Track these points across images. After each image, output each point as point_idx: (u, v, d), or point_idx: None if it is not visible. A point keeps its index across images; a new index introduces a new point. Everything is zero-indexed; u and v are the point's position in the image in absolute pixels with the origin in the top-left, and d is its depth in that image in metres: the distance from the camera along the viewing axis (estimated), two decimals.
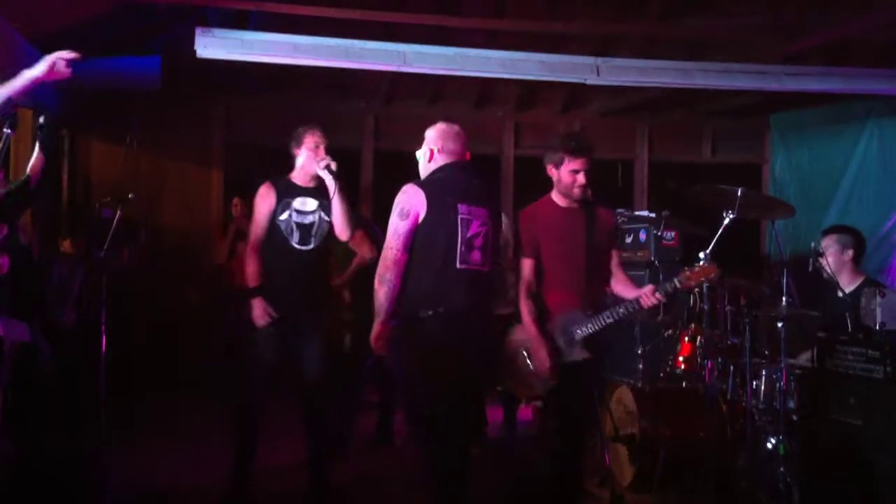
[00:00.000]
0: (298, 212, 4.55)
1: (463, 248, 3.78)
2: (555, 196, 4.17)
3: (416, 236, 3.75)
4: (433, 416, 3.77)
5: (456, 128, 4.04)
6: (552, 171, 4.10)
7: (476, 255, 3.82)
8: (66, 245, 6.40)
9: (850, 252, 4.86)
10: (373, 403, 6.47)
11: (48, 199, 7.29)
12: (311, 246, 4.55)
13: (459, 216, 3.78)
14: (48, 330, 6.07)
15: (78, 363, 6.17)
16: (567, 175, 4.05)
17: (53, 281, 6.28)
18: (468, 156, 4.06)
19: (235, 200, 8.09)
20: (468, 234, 3.79)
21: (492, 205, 3.98)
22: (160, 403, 6.78)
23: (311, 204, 4.57)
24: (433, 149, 3.97)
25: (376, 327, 3.74)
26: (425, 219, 3.75)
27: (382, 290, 3.72)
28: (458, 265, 3.77)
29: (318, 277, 4.66)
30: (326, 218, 4.56)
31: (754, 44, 7.31)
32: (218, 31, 6.02)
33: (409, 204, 3.77)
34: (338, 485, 4.65)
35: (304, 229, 4.55)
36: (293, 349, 4.53)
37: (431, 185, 3.84)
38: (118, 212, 5.94)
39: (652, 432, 4.54)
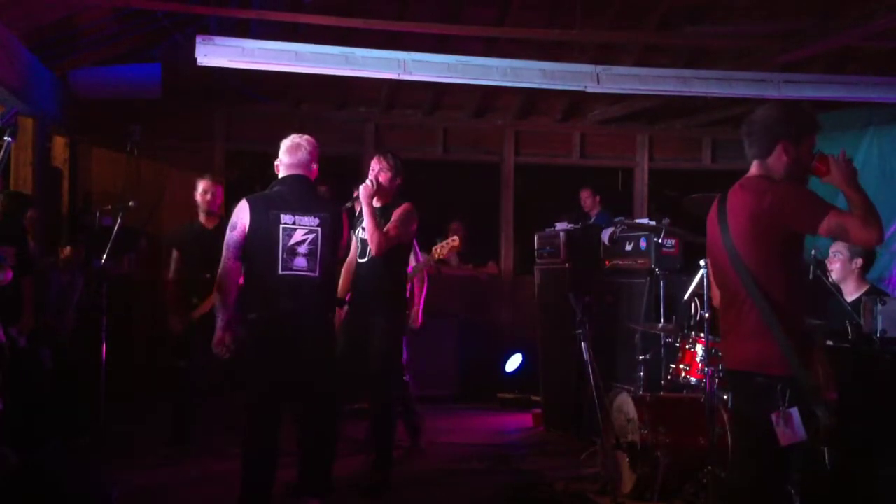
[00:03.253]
0: (362, 228, 4.95)
1: (285, 255, 4.11)
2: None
3: (246, 246, 4.12)
4: (252, 404, 4.16)
5: (298, 140, 4.34)
6: (787, 150, 3.14)
7: (300, 261, 4.15)
8: (66, 252, 6.39)
9: (860, 261, 4.82)
10: (363, 411, 6.53)
11: (48, 207, 7.29)
12: (367, 258, 4.94)
13: (281, 225, 4.11)
14: (48, 337, 6.07)
15: (78, 370, 6.17)
16: (808, 154, 3.18)
17: (53, 288, 6.27)
18: (314, 168, 4.36)
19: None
20: (290, 242, 4.13)
21: (324, 215, 4.23)
22: (160, 410, 6.75)
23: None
24: (277, 162, 4.34)
25: (217, 332, 4.13)
26: (249, 229, 4.12)
27: (220, 298, 4.14)
28: (279, 271, 4.10)
29: (377, 283, 4.95)
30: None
31: (753, 52, 7.33)
32: (219, 39, 6.03)
33: (236, 217, 4.16)
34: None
35: (363, 244, 4.96)
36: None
37: (257, 199, 4.21)
38: (118, 220, 5.94)
39: (653, 440, 4.53)
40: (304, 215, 4.18)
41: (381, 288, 4.93)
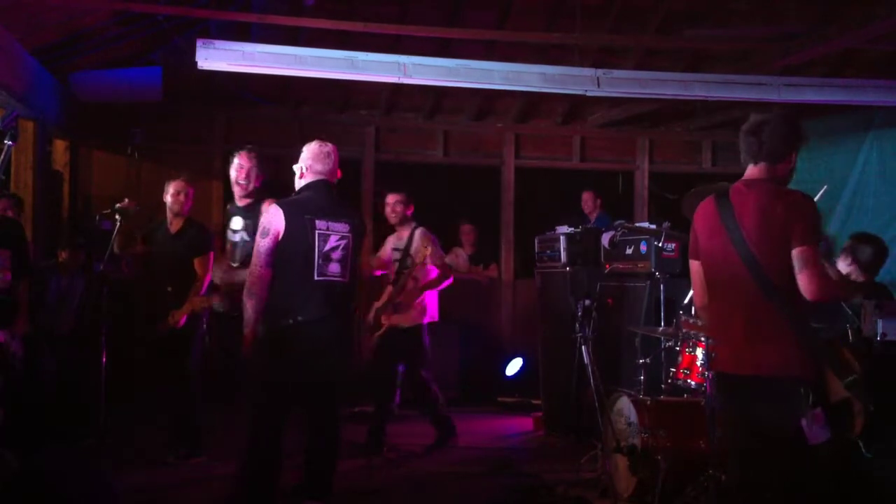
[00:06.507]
0: (232, 230, 4.86)
1: (320, 261, 4.11)
2: None
3: (278, 252, 4.08)
4: (263, 405, 4.14)
5: (326, 148, 4.33)
6: (793, 160, 3.28)
7: (334, 267, 4.17)
8: (64, 256, 6.38)
9: (853, 268, 4.82)
10: (363, 414, 6.57)
11: (49, 211, 7.29)
12: (237, 264, 4.89)
13: (317, 231, 4.10)
14: (48, 339, 6.07)
15: (79, 372, 6.17)
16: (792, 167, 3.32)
17: (51, 291, 6.27)
18: (338, 174, 4.35)
19: None
20: (325, 248, 4.13)
21: (352, 221, 4.28)
22: (160, 413, 6.75)
23: (237, 223, 4.86)
24: (302, 168, 4.29)
25: (246, 336, 4.10)
26: (284, 235, 4.09)
27: (251, 303, 4.08)
28: (315, 277, 4.11)
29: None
30: (247, 238, 4.85)
31: (753, 55, 7.33)
32: (219, 43, 6.03)
33: (270, 223, 4.12)
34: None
35: (233, 247, 4.88)
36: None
37: (290, 204, 4.19)
38: (118, 223, 5.94)
39: (653, 444, 4.53)
40: (335, 221, 4.19)
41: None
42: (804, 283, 3.03)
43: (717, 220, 3.21)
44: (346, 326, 4.31)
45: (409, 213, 6.21)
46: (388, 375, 6.20)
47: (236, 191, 4.95)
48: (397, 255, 6.18)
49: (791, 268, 3.05)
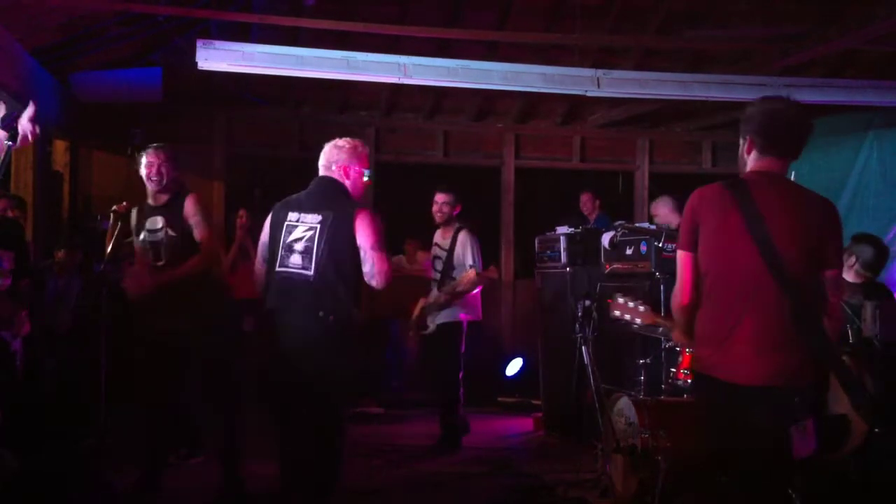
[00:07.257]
0: (150, 231, 4.65)
1: (283, 252, 4.02)
2: None
3: (268, 247, 4.14)
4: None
5: (335, 143, 4.21)
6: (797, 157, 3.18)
7: (295, 259, 3.98)
8: (60, 256, 6.38)
9: (853, 259, 4.82)
10: (364, 415, 6.53)
11: (49, 211, 7.29)
12: (162, 262, 4.65)
13: (286, 222, 4.04)
14: (47, 339, 6.08)
15: (78, 374, 6.17)
16: None
17: (48, 291, 6.28)
18: (348, 169, 4.16)
19: (241, 212, 8.08)
20: (288, 239, 4.02)
21: (328, 213, 3.99)
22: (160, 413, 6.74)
23: (157, 222, 4.67)
24: None
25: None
26: (269, 230, 4.14)
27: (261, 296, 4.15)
28: (276, 268, 4.03)
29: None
30: (172, 233, 4.65)
31: (754, 56, 7.34)
32: (219, 44, 6.04)
33: (267, 218, 4.20)
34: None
35: (155, 247, 4.65)
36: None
37: (286, 200, 4.18)
38: (118, 224, 5.93)
39: (653, 444, 4.52)
40: (309, 213, 4.04)
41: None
42: (836, 301, 2.96)
43: (734, 212, 2.91)
44: (312, 322, 3.94)
45: (454, 213, 6.28)
46: (438, 372, 6.30)
47: (150, 187, 4.80)
48: (439, 253, 6.24)
49: (813, 273, 2.90)
